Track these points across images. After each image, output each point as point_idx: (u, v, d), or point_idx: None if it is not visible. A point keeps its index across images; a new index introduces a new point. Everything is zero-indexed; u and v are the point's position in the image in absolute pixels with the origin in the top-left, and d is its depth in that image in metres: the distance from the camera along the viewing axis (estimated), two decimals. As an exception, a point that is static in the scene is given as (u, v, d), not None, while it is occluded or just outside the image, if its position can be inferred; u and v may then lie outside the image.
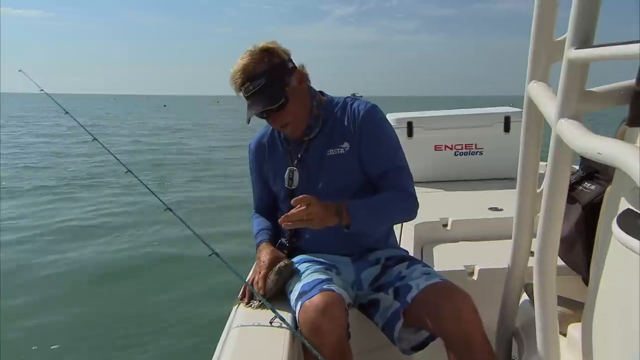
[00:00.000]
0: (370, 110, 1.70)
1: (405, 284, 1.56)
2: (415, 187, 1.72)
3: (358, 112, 1.69)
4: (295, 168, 1.73)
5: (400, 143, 1.72)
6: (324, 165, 1.70)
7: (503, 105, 4.30)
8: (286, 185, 1.74)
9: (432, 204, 3.24)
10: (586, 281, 1.39)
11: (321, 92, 1.79)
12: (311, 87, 1.74)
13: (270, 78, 1.59)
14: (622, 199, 0.87)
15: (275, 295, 1.59)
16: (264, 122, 1.72)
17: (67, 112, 2.01)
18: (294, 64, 1.67)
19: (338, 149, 1.68)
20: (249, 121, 1.63)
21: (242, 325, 1.48)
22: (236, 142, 17.71)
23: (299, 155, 1.73)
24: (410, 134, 3.82)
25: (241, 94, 1.62)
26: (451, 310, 1.43)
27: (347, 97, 1.78)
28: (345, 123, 1.69)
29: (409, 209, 1.70)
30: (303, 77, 1.68)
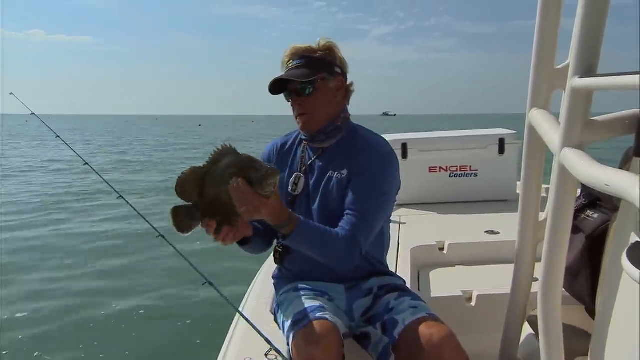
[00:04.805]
0: (382, 154, 1.64)
1: (391, 318, 1.52)
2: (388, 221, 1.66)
3: (370, 149, 1.65)
4: (302, 175, 1.70)
5: (399, 169, 1.67)
6: (322, 183, 1.67)
7: None
8: (290, 189, 1.70)
9: (427, 226, 3.22)
10: (590, 311, 1.36)
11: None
12: (345, 105, 1.72)
13: (311, 62, 1.62)
14: (631, 232, 0.85)
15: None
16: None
17: (58, 136, 1.99)
18: (344, 75, 1.69)
19: (337, 174, 1.65)
20: (273, 89, 1.62)
21: None
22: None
23: (309, 164, 1.71)
24: (404, 155, 3.81)
25: (285, 69, 1.64)
26: (432, 350, 1.37)
27: (375, 134, 1.75)
28: (355, 152, 1.66)
29: (343, 256, 1.55)
30: (342, 86, 1.68)
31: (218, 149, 1.36)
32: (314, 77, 1.60)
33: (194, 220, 1.36)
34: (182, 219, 1.36)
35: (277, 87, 1.65)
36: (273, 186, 1.38)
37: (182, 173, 1.35)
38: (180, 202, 1.36)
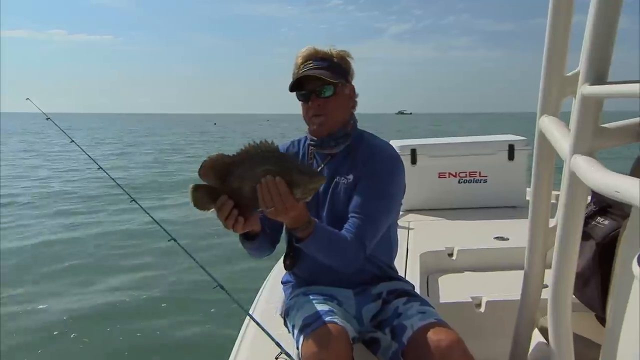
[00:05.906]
0: (387, 157, 1.67)
1: (400, 324, 1.52)
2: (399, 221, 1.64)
3: (375, 153, 1.67)
4: None
5: (404, 173, 1.67)
6: (329, 189, 1.68)
7: None
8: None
9: (436, 232, 3.22)
10: (600, 318, 1.35)
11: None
12: (353, 113, 1.75)
13: (332, 66, 1.64)
14: None
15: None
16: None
17: (73, 141, 2.02)
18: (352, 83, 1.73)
19: (344, 179, 1.67)
20: (292, 88, 1.64)
21: None
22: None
23: (318, 170, 1.71)
24: (414, 161, 3.81)
25: (300, 69, 1.63)
26: (440, 356, 1.37)
27: (379, 138, 1.76)
28: (361, 157, 1.67)
29: (350, 259, 1.57)
30: (353, 96, 1.73)
31: (255, 142, 1.32)
32: (338, 80, 1.63)
33: (212, 201, 1.34)
34: (201, 197, 1.34)
35: (294, 85, 1.65)
36: (314, 191, 1.33)
37: (209, 157, 1.32)
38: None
